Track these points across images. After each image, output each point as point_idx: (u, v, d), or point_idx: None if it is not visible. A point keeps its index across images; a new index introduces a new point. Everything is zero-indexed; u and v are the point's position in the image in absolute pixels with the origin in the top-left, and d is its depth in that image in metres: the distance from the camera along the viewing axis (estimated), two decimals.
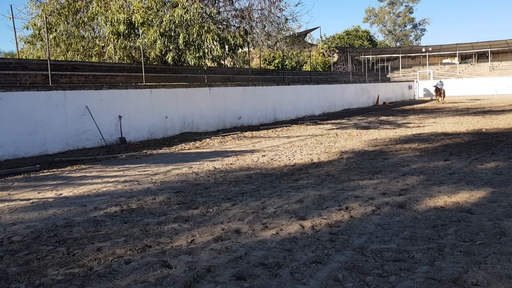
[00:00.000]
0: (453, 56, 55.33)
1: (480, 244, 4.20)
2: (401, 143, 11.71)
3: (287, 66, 30.84)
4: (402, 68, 52.29)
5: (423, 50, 49.67)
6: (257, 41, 17.68)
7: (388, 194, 6.28)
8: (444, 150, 10.13)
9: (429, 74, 48.45)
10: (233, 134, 15.49)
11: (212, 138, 14.37)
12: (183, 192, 6.94)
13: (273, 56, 29.45)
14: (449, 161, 8.71)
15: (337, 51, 38.75)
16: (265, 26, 17.37)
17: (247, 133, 15.71)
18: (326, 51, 36.34)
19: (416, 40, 73.60)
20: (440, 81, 34.77)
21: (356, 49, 43.91)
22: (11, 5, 18.34)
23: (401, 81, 43.03)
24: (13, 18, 15.26)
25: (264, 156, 10.34)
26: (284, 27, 18.28)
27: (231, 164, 9.43)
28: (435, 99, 34.08)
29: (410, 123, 17.63)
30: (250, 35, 17.07)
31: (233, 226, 5.04)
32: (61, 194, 7.11)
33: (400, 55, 51.61)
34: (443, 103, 32.43)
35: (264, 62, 29.61)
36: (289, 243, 4.48)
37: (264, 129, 16.99)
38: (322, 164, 9.05)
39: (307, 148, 11.41)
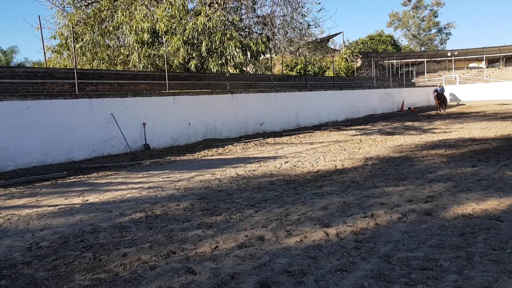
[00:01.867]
0: (480, 60, 54.19)
1: (510, 252, 4.08)
2: (427, 149, 11.50)
3: (310, 72, 30.75)
4: (427, 72, 51.51)
5: (449, 54, 48.82)
6: (279, 47, 17.69)
7: (414, 201, 6.17)
8: (472, 156, 9.89)
9: (455, 78, 47.56)
10: (255, 140, 15.50)
11: (234, 144, 14.41)
12: (206, 198, 6.96)
13: (295, 62, 29.42)
14: (477, 167, 8.50)
15: (360, 56, 38.46)
16: (287, 32, 17.38)
17: (270, 140, 15.70)
18: (349, 56, 36.12)
19: (441, 44, 72.42)
20: (440, 86, 29.51)
21: (380, 54, 43.47)
22: (39, 16, 18.91)
23: (426, 86, 42.36)
24: (41, 28, 15.70)
25: (287, 162, 10.30)
26: (307, 33, 18.27)
27: (254, 170, 9.42)
28: (438, 108, 27.92)
29: (436, 128, 17.30)
30: (272, 42, 17.10)
31: (256, 233, 5.03)
32: (87, 200, 7.23)
33: (425, 60, 50.86)
34: (444, 113, 27.11)
35: (286, 68, 29.60)
36: (314, 250, 4.44)
37: (286, 135, 16.95)
38: (346, 171, 8.95)
39: (331, 155, 11.31)
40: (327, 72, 33.38)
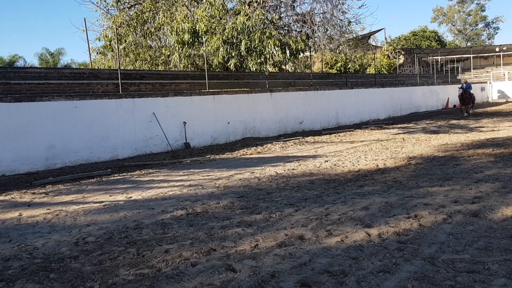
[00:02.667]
0: None
1: None
2: (473, 148, 11.06)
3: (350, 70, 30.29)
4: (473, 69, 49.55)
5: (497, 49, 46.75)
6: (319, 45, 17.52)
7: (460, 202, 5.95)
8: None
9: (504, 74, 45.53)
10: (294, 139, 15.43)
11: (273, 143, 14.40)
12: (245, 197, 6.99)
13: (335, 60, 29.04)
14: None
15: (403, 52, 37.49)
16: (327, 30, 17.18)
17: (309, 138, 15.58)
18: (391, 53, 35.28)
19: (488, 39, 69.47)
20: (466, 83, 23.61)
21: (424, 50, 42.22)
22: (84, 19, 19.58)
23: (473, 83, 40.79)
24: (86, 30, 16.25)
25: (327, 161, 10.19)
26: (347, 30, 17.99)
27: (293, 169, 9.38)
28: (462, 109, 23.64)
29: (483, 127, 16.62)
30: (311, 39, 16.96)
31: (296, 232, 5.00)
32: (131, 197, 7.42)
33: (472, 56, 48.97)
34: (469, 114, 23.07)
35: (326, 66, 29.27)
36: (355, 251, 4.37)
37: (326, 134, 16.77)
38: (389, 170, 8.75)
39: (372, 154, 11.09)
40: (368, 70, 32.76)
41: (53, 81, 12.23)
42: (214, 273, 3.90)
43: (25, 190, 8.28)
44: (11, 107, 10.25)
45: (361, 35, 25.04)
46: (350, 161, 10.01)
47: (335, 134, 16.48)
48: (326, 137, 15.77)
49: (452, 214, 5.36)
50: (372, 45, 30.29)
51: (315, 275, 3.82)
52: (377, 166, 9.30)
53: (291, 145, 13.99)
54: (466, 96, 23.04)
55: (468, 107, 23.40)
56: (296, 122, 18.11)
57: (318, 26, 16.98)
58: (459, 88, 23.22)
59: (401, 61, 36.46)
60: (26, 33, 75.22)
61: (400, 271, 3.82)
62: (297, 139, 15.42)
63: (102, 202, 7.10)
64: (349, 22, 17.81)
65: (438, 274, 3.69)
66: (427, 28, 53.77)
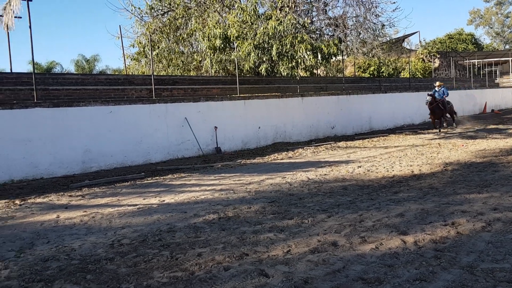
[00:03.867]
0: None
1: None
2: None
3: (384, 73, 29.81)
4: None
5: None
6: (351, 49, 17.33)
7: (499, 209, 5.75)
8: None
9: None
10: (326, 144, 15.27)
11: (304, 148, 14.30)
12: (277, 202, 6.95)
13: (368, 64, 28.64)
14: None
15: (438, 56, 36.59)
16: (360, 33, 16.99)
17: (341, 143, 15.39)
18: (426, 56, 34.50)
19: None
20: (439, 86, 17.03)
21: (460, 53, 41.11)
22: (119, 26, 20.15)
23: (505, 87, 39.38)
24: (121, 37, 16.72)
25: (360, 167, 10.03)
26: (381, 34, 17.74)
27: (325, 174, 9.27)
28: (436, 123, 17.21)
29: None
30: (344, 43, 16.79)
31: (329, 238, 4.94)
32: (163, 200, 7.51)
33: (510, 59, 47.36)
34: (446, 131, 17.32)
35: (359, 70, 28.90)
36: (390, 258, 4.28)
37: (359, 139, 16.53)
38: (424, 176, 8.54)
39: (407, 159, 10.85)
40: (402, 73, 32.15)
41: (89, 87, 12.57)
42: (246, 278, 3.89)
43: (62, 193, 8.51)
44: (50, 112, 10.59)
45: (395, 39, 24.57)
46: (384, 167, 9.83)
47: (368, 139, 16.23)
48: (359, 142, 15.54)
49: (491, 222, 5.19)
50: (406, 49, 29.67)
51: (349, 282, 3.77)
52: (412, 172, 9.09)
53: (323, 150, 13.86)
54: (437, 105, 16.29)
55: (443, 120, 17.12)
56: (328, 127, 17.94)
57: (351, 30, 16.82)
58: (428, 94, 16.42)
59: (437, 64, 35.62)
60: (62, 40, 77.88)
61: (437, 279, 3.73)
62: (329, 144, 15.27)
63: (136, 205, 7.21)
64: (383, 25, 17.56)
65: (477, 283, 3.59)
66: (463, 30, 52.36)
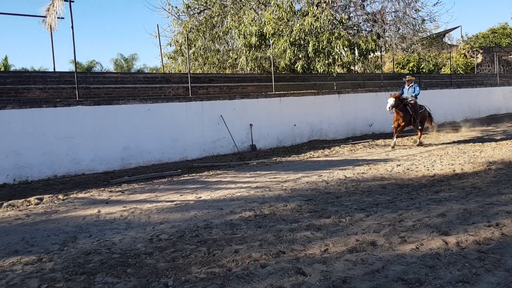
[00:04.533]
0: None
1: None
2: None
3: (424, 70, 28.97)
4: None
5: None
6: (390, 45, 16.91)
7: None
8: None
9: None
10: (363, 142, 15.01)
11: (341, 146, 14.11)
12: (313, 200, 6.89)
13: (407, 60, 27.89)
14: None
15: (481, 51, 35.25)
16: (399, 29, 16.56)
17: (379, 141, 15.10)
18: (468, 51, 33.31)
19: None
20: (409, 83, 13.46)
21: (504, 48, 39.45)
22: (157, 25, 20.42)
23: None
24: (159, 36, 16.96)
25: (399, 165, 9.79)
26: (421, 29, 17.19)
27: (363, 173, 9.11)
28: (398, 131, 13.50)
29: None
30: (382, 39, 16.42)
31: (368, 238, 4.84)
32: (200, 197, 7.58)
33: None
34: (418, 143, 13.59)
35: (398, 66, 28.19)
36: (431, 259, 4.17)
37: (398, 137, 16.13)
38: (467, 176, 8.24)
39: (448, 158, 10.51)
40: (443, 69, 31.15)
41: (128, 85, 12.85)
42: (284, 276, 3.86)
43: (103, 188, 8.74)
44: (91, 110, 10.90)
45: (435, 34, 23.80)
46: (424, 165, 9.56)
47: (407, 137, 15.83)
48: (398, 140, 15.18)
49: None
50: (448, 44, 28.65)
51: (389, 283, 3.69)
52: (454, 171, 8.80)
53: (360, 148, 13.64)
54: (405, 107, 12.88)
55: (418, 124, 13.30)
56: (365, 125, 17.63)
57: (390, 25, 16.42)
58: (391, 95, 12.82)
59: (479, 60, 34.34)
60: (102, 40, 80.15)
61: (481, 282, 3.62)
62: (366, 142, 15.01)
63: (174, 201, 7.31)
64: (423, 20, 17.03)
65: None
66: (508, 25, 50.18)
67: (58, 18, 11.33)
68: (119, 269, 4.18)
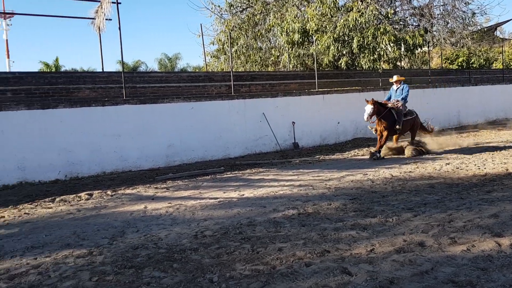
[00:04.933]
0: None
1: None
2: None
3: (474, 65, 27.82)
4: None
5: None
6: (438, 39, 16.34)
7: None
8: None
9: None
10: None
11: (387, 144, 13.74)
12: (358, 199, 6.76)
13: (456, 55, 26.84)
14: None
15: None
16: (448, 23, 15.98)
17: (427, 139, 14.60)
18: None
19: None
20: (398, 83, 11.56)
21: None
22: (201, 24, 20.77)
23: None
24: (202, 35, 17.19)
25: (448, 164, 9.44)
26: (471, 22, 16.52)
27: (410, 172, 8.85)
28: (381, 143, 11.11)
29: None
30: (430, 33, 15.89)
31: (416, 238, 4.70)
32: (243, 194, 7.61)
33: None
34: (413, 154, 10.93)
35: (446, 62, 27.18)
36: (483, 261, 4.01)
37: (446, 135, 15.58)
38: None
39: (501, 156, 10.03)
40: (494, 64, 29.78)
41: (172, 84, 13.11)
42: (329, 275, 3.81)
43: (149, 185, 8.96)
44: (137, 109, 11.20)
45: (486, 27, 22.78)
46: (475, 164, 9.17)
47: (456, 135, 15.25)
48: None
49: None
50: (499, 38, 27.34)
51: (439, 285, 3.58)
52: (507, 170, 8.39)
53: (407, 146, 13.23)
54: (389, 114, 10.80)
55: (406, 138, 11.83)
56: None
57: (438, 19, 15.87)
58: (367, 101, 10.73)
59: None
60: (146, 40, 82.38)
61: None
62: None
63: (217, 198, 7.39)
64: (473, 13, 16.36)
65: None
66: None
67: (106, 19, 11.72)
68: (166, 264, 4.27)
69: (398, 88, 11.45)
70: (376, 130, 11.08)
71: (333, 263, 4.10)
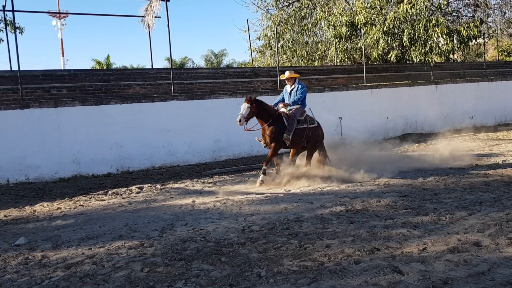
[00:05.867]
0: None
1: None
2: None
3: None
4: None
5: None
6: (494, 30, 15.52)
7: None
8: None
9: None
10: (464, 135, 14.00)
11: (438, 139, 13.27)
12: (409, 196, 6.55)
13: None
14: None
15: None
16: (505, 13, 15.15)
17: (481, 135, 13.97)
18: None
19: None
20: (291, 84, 8.74)
21: None
22: (247, 20, 20.81)
23: None
24: (248, 31, 17.22)
25: (505, 161, 8.97)
26: None
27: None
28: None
29: None
30: (485, 24, 15.12)
31: (471, 238, 4.49)
32: (289, 190, 7.57)
33: None
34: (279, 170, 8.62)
35: (502, 54, 25.84)
36: None
37: (503, 130, 14.83)
38: None
39: None
40: None
41: (219, 80, 13.24)
42: (379, 273, 3.71)
43: (196, 179, 9.11)
44: (185, 105, 11.41)
45: None
46: None
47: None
48: (503, 134, 13.95)
49: None
50: None
51: (496, 287, 3.41)
52: None
53: (460, 142, 12.72)
54: (279, 121, 8.36)
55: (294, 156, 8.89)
56: (466, 117, 16.41)
57: (494, 9, 15.07)
58: (246, 98, 8.28)
59: None
60: (193, 36, 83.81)
61: None
62: (466, 135, 13.97)
63: (264, 193, 7.39)
64: None
65: None
66: None
67: (155, 17, 11.99)
68: (214, 257, 4.32)
69: (292, 90, 8.69)
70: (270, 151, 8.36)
71: (383, 261, 3.99)
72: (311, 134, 8.63)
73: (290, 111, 8.45)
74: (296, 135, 8.34)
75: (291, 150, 8.88)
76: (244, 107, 8.09)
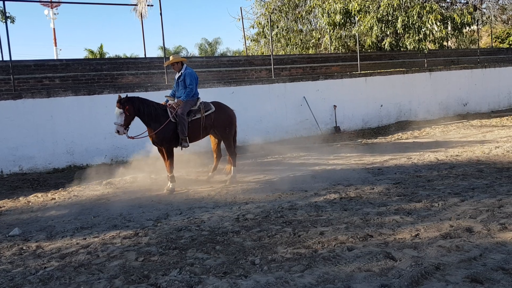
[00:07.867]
0: None
1: None
2: None
3: None
4: None
5: None
6: (488, 17, 15.51)
7: None
8: None
9: None
10: (457, 122, 14.06)
11: (432, 127, 13.33)
12: (402, 183, 6.60)
13: (507, 33, 25.48)
14: None
15: None
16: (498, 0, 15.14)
17: (475, 122, 14.03)
18: None
19: None
20: (178, 71, 7.48)
21: None
22: (241, 8, 20.69)
23: None
24: (242, 19, 17.11)
25: (498, 147, 9.02)
26: None
27: (457, 155, 8.53)
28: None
29: None
30: (479, 11, 15.11)
31: (463, 224, 4.54)
32: (284, 178, 7.58)
33: None
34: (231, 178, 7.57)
35: (496, 40, 25.85)
36: None
37: (496, 117, 14.90)
38: None
39: None
40: None
41: (213, 69, 13.18)
42: (372, 259, 3.75)
43: (190, 168, 9.10)
44: None
45: None
46: None
47: (507, 117, 14.55)
48: (496, 120, 14.02)
49: None
50: None
51: (488, 272, 3.45)
52: None
53: (453, 129, 12.79)
54: (163, 117, 7.20)
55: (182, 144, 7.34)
56: (459, 104, 16.46)
57: None
58: (120, 97, 6.99)
59: None
60: (186, 25, 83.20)
61: None
62: (460, 122, 14.04)
63: (258, 181, 7.41)
64: None
65: None
66: None
67: (148, 5, 11.89)
68: (209, 246, 4.34)
69: (179, 78, 7.47)
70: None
71: (376, 247, 4.03)
72: (210, 122, 7.48)
73: (179, 107, 7.18)
74: (192, 127, 7.27)
75: (211, 142, 8.05)
76: (116, 113, 6.81)
